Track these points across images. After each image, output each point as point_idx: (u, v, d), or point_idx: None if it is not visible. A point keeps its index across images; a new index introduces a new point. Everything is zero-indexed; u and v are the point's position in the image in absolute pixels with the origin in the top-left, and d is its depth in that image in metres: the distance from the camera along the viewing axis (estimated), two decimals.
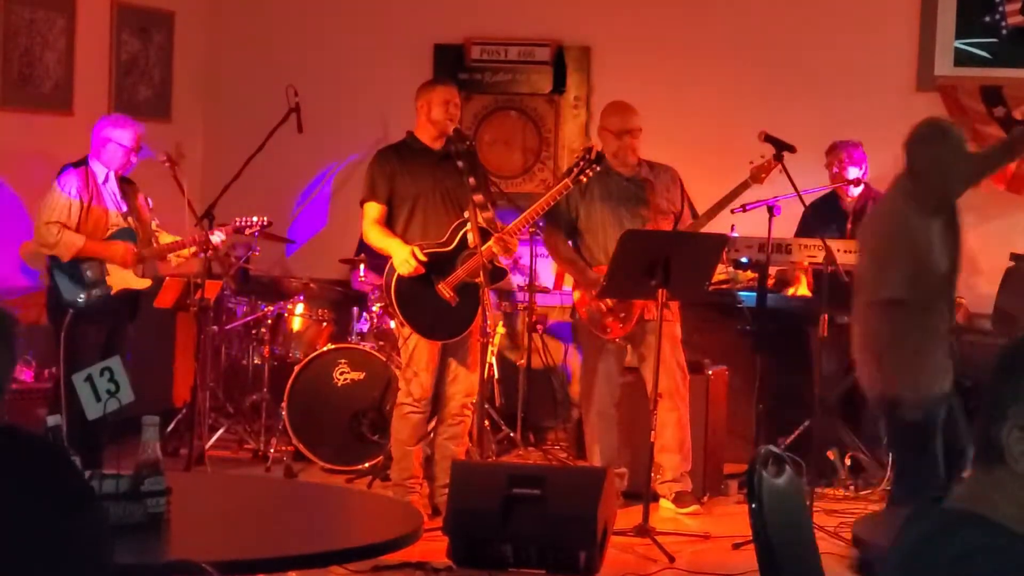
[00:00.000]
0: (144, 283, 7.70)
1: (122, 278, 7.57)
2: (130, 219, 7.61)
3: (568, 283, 8.94)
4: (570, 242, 7.84)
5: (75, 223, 7.41)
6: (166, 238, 7.84)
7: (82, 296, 7.43)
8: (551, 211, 7.68)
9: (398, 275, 7.13)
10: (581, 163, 7.21)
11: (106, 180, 7.54)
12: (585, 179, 7.25)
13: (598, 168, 7.25)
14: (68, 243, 7.38)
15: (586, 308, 7.75)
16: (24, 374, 7.86)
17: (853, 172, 8.44)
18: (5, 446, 2.39)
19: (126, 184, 7.66)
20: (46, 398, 7.65)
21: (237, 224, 8.04)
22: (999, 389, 2.25)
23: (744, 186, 7.62)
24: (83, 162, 7.53)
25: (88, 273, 7.47)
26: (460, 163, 7.12)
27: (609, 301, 7.66)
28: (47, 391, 7.70)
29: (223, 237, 7.88)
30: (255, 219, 8.11)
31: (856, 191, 8.49)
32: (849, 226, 8.43)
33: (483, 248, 6.96)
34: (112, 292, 7.53)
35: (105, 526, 2.72)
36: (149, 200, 7.82)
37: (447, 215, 7.20)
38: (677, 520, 7.62)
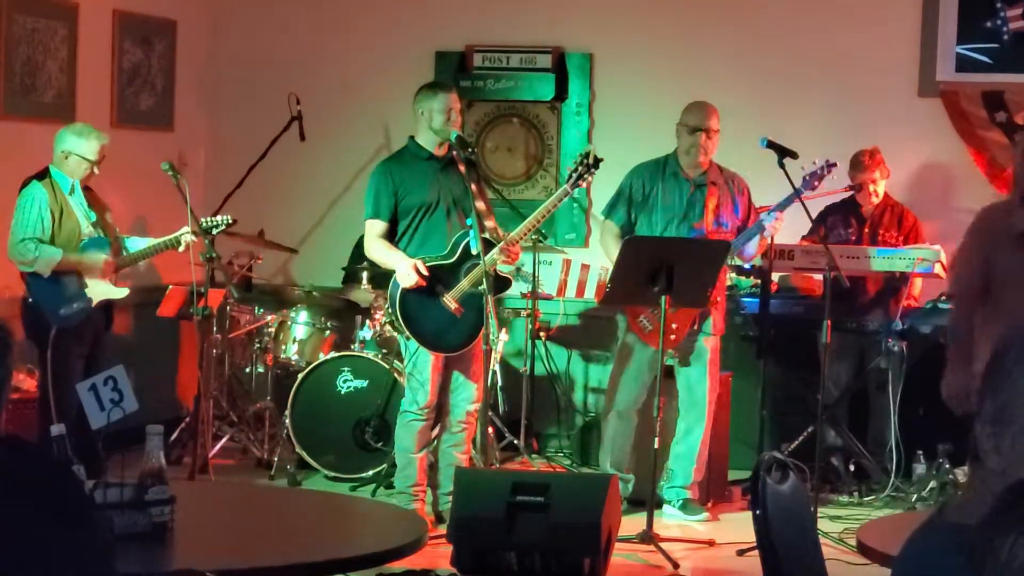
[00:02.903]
0: (122, 292, 7.68)
1: (101, 289, 7.56)
2: (99, 228, 7.59)
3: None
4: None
5: (49, 236, 7.39)
6: (132, 245, 7.82)
7: (64, 311, 7.39)
8: (612, 209, 7.67)
9: (403, 289, 7.12)
10: (580, 168, 7.19)
11: (72, 190, 7.50)
12: (584, 184, 7.25)
13: (595, 171, 7.23)
14: (46, 259, 7.34)
15: (634, 317, 7.71)
16: (27, 384, 7.85)
17: (884, 181, 8.41)
18: (4, 457, 2.39)
19: (88, 192, 7.63)
20: (38, 410, 7.61)
21: (204, 226, 7.98)
22: (978, 390, 2.27)
23: (797, 193, 7.53)
24: (45, 173, 7.49)
25: (68, 287, 7.44)
26: (462, 168, 7.12)
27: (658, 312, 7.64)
28: (38, 402, 7.66)
29: (193, 239, 7.79)
30: (219, 218, 8.07)
31: (879, 196, 8.44)
32: (866, 231, 8.40)
33: (486, 257, 6.96)
34: (93, 304, 7.51)
35: (107, 538, 2.72)
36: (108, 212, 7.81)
37: (452, 224, 7.19)
38: (681, 527, 7.62)
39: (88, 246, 7.51)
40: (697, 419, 7.72)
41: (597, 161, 7.19)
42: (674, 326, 7.63)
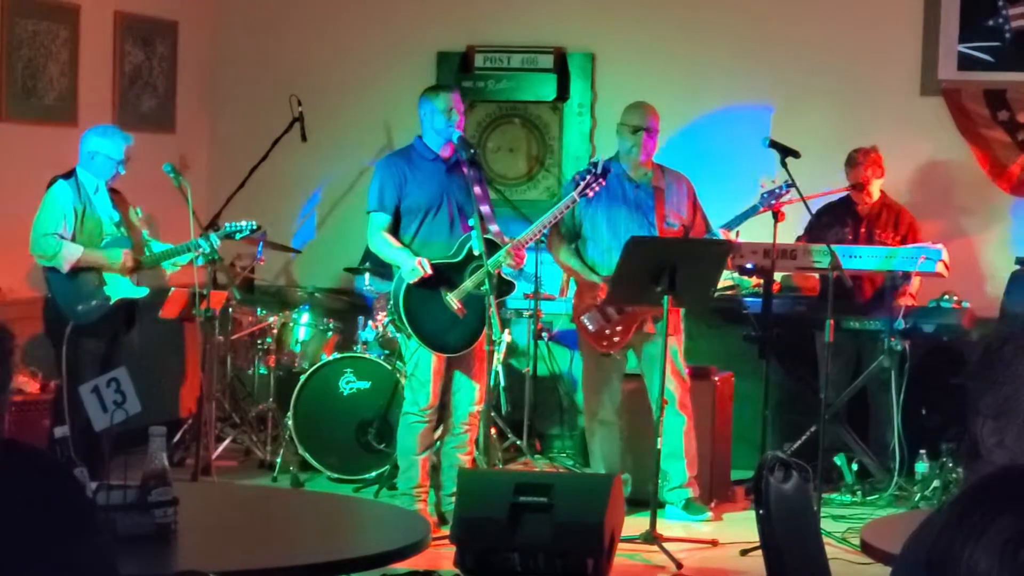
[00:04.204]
0: (141, 292, 7.70)
1: (120, 288, 7.58)
2: (122, 228, 7.62)
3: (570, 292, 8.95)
4: (573, 245, 7.84)
5: (71, 234, 7.43)
6: (157, 246, 7.83)
7: (80, 307, 7.43)
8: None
9: (406, 287, 7.13)
10: (588, 177, 7.22)
11: (96, 190, 7.55)
12: (592, 193, 7.28)
13: (603, 182, 7.27)
14: (67, 254, 7.39)
15: (581, 320, 7.75)
16: (30, 386, 7.86)
17: (878, 181, 8.40)
18: (5, 461, 2.39)
19: (114, 194, 7.67)
20: (50, 410, 7.65)
21: (227, 230, 7.98)
22: (975, 386, 2.26)
23: (753, 210, 7.62)
24: (72, 173, 7.54)
25: (86, 284, 7.48)
26: (467, 171, 7.13)
27: (606, 315, 7.65)
28: (52, 403, 7.70)
29: (218, 243, 7.80)
30: (243, 223, 8.04)
31: (874, 196, 8.44)
32: (863, 230, 8.40)
33: (490, 260, 6.96)
34: (111, 302, 7.54)
35: (109, 541, 2.72)
36: (139, 209, 7.83)
37: (455, 229, 7.20)
38: (684, 527, 7.62)
39: (110, 245, 7.56)
40: (673, 417, 7.69)
41: (605, 171, 7.24)
42: (619, 329, 7.64)
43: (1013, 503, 1.75)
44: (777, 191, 7.54)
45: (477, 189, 7.10)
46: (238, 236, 8.03)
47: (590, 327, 7.71)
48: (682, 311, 7.90)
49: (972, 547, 1.75)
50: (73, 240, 7.45)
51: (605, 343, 7.71)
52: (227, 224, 7.98)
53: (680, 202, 7.83)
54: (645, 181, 7.79)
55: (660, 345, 7.35)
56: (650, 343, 7.65)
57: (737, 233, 7.83)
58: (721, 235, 7.66)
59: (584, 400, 8.09)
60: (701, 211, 7.89)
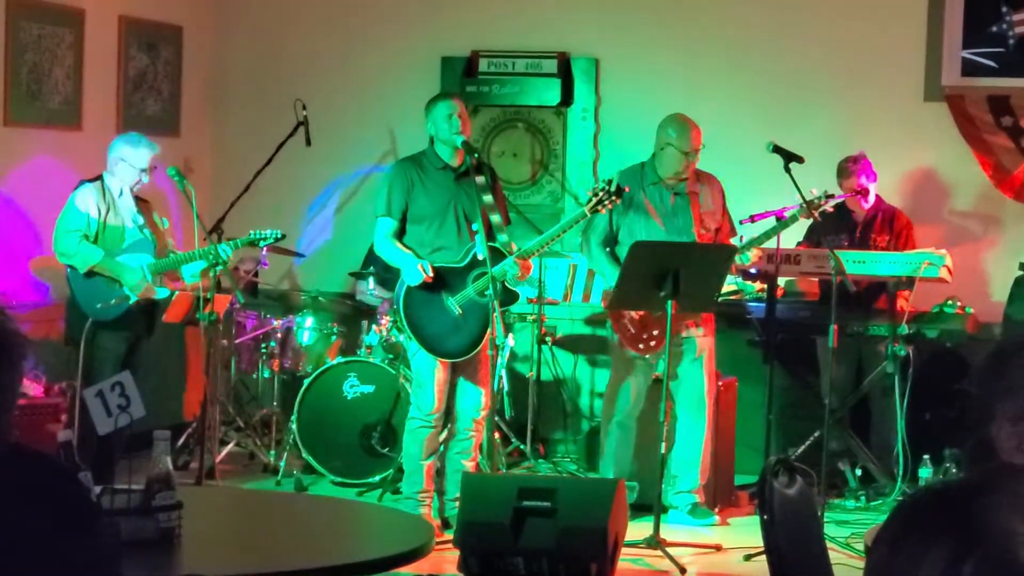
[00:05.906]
0: (162, 293, 7.75)
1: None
2: (146, 231, 7.68)
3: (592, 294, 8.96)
4: (608, 248, 7.82)
5: (94, 235, 7.50)
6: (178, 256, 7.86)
7: (100, 304, 7.48)
8: (592, 218, 7.68)
9: (407, 290, 7.15)
10: (601, 194, 7.20)
11: (120, 194, 7.63)
12: (603, 210, 7.26)
13: (618, 201, 7.25)
14: (86, 255, 7.46)
15: (618, 322, 7.75)
16: (34, 390, 7.87)
17: (873, 185, 8.39)
18: (10, 465, 2.39)
19: (140, 202, 7.74)
20: (56, 413, 7.67)
21: (252, 237, 8.02)
22: (986, 390, 2.27)
23: (792, 220, 7.59)
24: (98, 178, 7.61)
25: (106, 281, 7.54)
26: (480, 179, 7.14)
27: (640, 318, 7.65)
28: (57, 406, 7.71)
29: (231, 252, 7.82)
30: (268, 231, 8.07)
31: (869, 201, 8.45)
32: (859, 236, 8.41)
33: (495, 269, 6.96)
34: (131, 300, 7.58)
35: (112, 546, 2.72)
36: (164, 220, 7.88)
37: (463, 236, 7.22)
38: (688, 531, 7.61)
39: (132, 248, 7.60)
40: (697, 422, 7.71)
41: (620, 190, 7.22)
42: (655, 332, 7.64)
43: (948, 526, 1.73)
44: (816, 201, 7.53)
45: (487, 197, 7.11)
46: (263, 244, 8.08)
47: (630, 328, 7.70)
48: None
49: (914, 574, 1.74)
50: (96, 241, 7.51)
51: (641, 345, 7.71)
52: (252, 231, 8.02)
53: (714, 204, 7.82)
54: (682, 188, 7.77)
55: (693, 347, 7.37)
56: (682, 345, 7.66)
57: (742, 238, 7.83)
58: (752, 254, 7.63)
59: (605, 400, 8.07)
60: (728, 215, 7.88)
